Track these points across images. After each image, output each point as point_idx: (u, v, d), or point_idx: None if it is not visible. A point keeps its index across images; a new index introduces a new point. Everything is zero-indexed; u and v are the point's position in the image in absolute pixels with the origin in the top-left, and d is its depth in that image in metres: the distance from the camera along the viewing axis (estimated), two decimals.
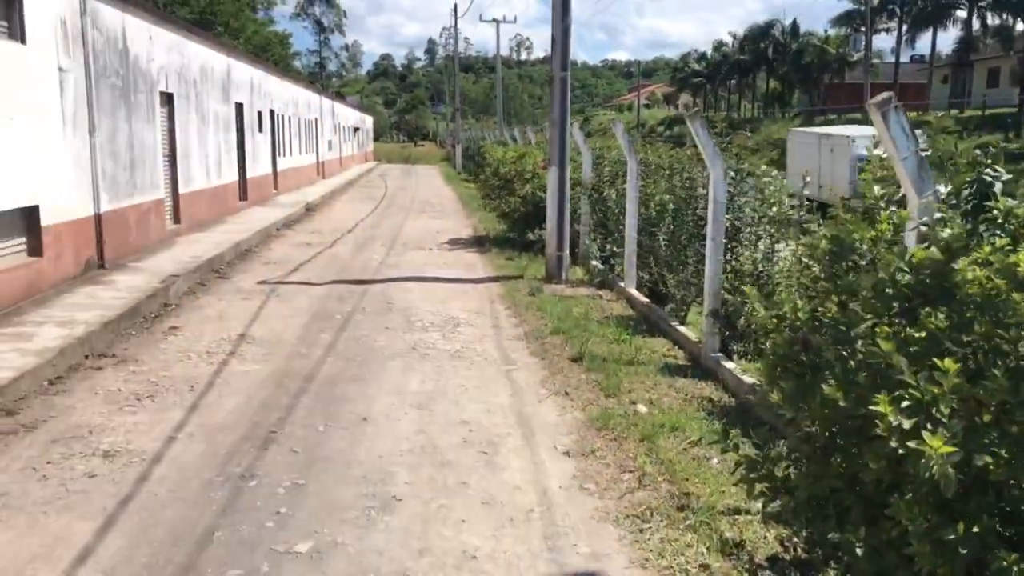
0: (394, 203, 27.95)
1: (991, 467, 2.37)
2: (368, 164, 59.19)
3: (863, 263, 3.17)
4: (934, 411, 2.25)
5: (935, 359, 2.31)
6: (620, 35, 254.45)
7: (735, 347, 8.09)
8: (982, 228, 4.01)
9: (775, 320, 2.96)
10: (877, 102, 4.53)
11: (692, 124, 7.60)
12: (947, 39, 54.80)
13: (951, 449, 2.19)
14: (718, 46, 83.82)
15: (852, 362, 2.73)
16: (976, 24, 52.69)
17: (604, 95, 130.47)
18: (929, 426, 2.23)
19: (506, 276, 13.17)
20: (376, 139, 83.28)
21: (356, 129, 57.10)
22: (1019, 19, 48.79)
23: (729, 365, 7.55)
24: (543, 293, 11.55)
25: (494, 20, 50.98)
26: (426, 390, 7.38)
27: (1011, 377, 2.21)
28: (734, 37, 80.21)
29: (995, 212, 3.82)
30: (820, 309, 3.03)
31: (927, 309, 2.63)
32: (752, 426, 6.21)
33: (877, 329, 2.63)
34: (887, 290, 2.62)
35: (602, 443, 6.04)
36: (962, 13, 52.68)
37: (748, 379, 7.10)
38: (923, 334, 2.67)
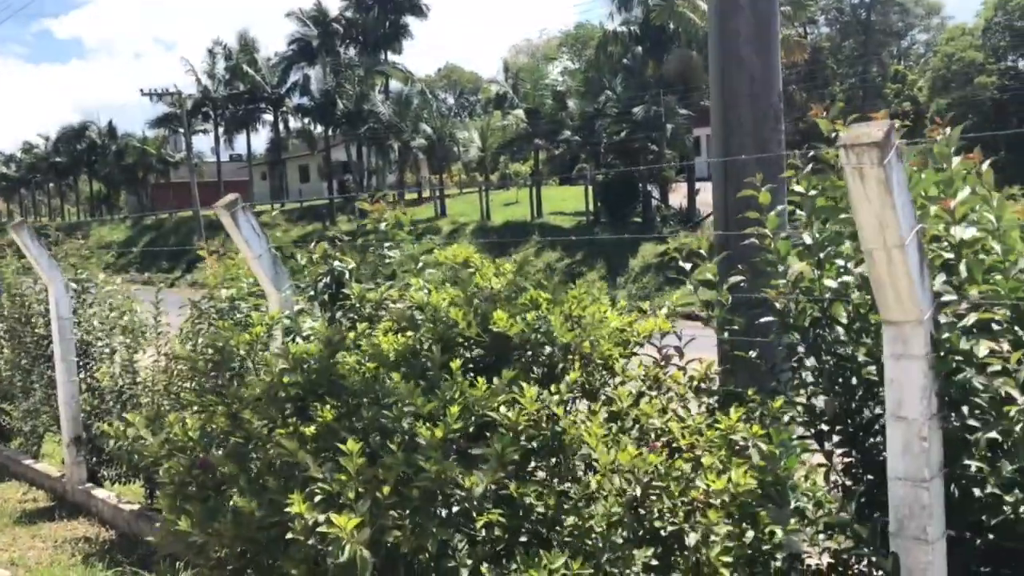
0: None
1: (399, 541, 2.49)
2: None
3: (243, 370, 3.11)
4: (342, 500, 2.29)
5: (339, 447, 2.34)
6: None
7: (106, 473, 7.36)
8: (339, 314, 4.33)
9: (166, 445, 2.69)
10: (225, 204, 4.57)
11: (19, 235, 6.76)
12: (261, 139, 59.07)
13: (357, 520, 2.24)
14: (28, 148, 77.19)
15: (255, 467, 2.64)
16: (284, 127, 58.15)
17: None
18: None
19: None
20: None
21: None
22: (317, 123, 55.36)
23: (102, 495, 6.86)
24: None
25: None
26: None
27: (404, 450, 2.35)
28: (46, 139, 74.78)
29: (351, 298, 4.14)
30: (211, 425, 2.87)
31: (316, 404, 2.68)
32: (144, 557, 5.67)
33: (278, 431, 2.59)
34: (279, 393, 2.59)
35: None
36: (269, 117, 57.65)
37: (127, 506, 6.51)
38: (313, 429, 2.71)
